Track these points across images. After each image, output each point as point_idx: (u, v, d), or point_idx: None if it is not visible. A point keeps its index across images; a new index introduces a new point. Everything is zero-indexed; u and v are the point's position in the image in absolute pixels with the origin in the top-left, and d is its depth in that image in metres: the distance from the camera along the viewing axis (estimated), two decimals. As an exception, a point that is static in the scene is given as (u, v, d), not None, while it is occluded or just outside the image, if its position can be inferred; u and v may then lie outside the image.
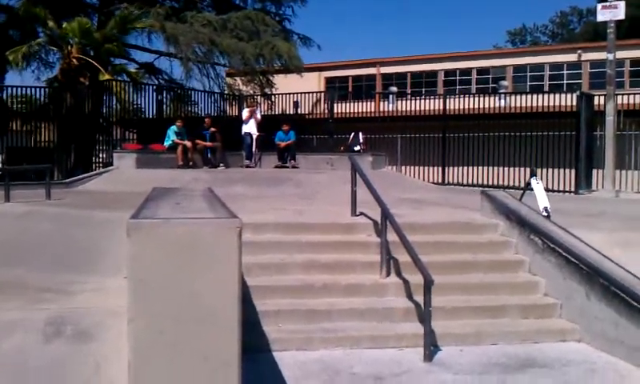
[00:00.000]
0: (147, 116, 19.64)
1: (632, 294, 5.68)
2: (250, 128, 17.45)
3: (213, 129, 16.50)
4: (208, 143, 16.30)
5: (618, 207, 11.26)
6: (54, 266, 6.81)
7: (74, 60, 18.17)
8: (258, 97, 21.81)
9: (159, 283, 3.75)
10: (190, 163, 15.73)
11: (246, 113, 17.82)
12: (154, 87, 20.26)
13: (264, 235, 7.35)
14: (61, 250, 7.33)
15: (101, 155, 19.12)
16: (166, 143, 16.03)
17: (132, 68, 21.58)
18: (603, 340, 5.95)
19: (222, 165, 16.24)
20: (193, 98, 21.69)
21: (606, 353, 5.85)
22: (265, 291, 6.36)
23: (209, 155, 16.41)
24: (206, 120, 16.95)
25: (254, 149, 17.48)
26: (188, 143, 15.80)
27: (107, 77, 18.46)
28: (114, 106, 19.78)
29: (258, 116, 17.96)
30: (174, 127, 16.07)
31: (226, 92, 23.21)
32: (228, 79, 24.26)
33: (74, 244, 7.48)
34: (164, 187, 6.83)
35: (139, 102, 19.92)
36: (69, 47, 18.41)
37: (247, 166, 17.09)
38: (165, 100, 20.50)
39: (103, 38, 18.83)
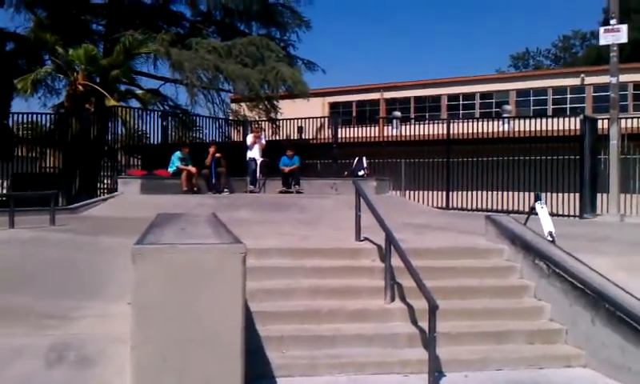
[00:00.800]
0: (152, 142, 19.71)
1: (638, 319, 5.63)
2: (255, 153, 17.53)
3: (217, 154, 16.51)
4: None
5: (623, 231, 11.22)
6: (58, 292, 6.82)
7: (80, 86, 18.34)
8: (263, 122, 21.89)
9: (163, 309, 3.75)
10: (195, 189, 15.75)
11: (250, 138, 17.91)
12: (159, 113, 20.40)
13: (268, 260, 7.33)
14: (65, 275, 7.34)
15: (106, 181, 19.17)
16: (171, 169, 16.07)
17: (138, 93, 21.77)
18: (610, 366, 5.89)
19: (226, 190, 16.26)
20: (198, 124, 21.83)
21: (613, 379, 5.78)
22: (269, 317, 6.32)
23: (213, 181, 16.44)
24: (210, 149, 16.59)
25: (258, 174, 17.53)
26: (192, 169, 15.83)
27: (113, 103, 18.58)
28: (119, 132, 19.91)
29: (263, 141, 18.02)
30: (178, 153, 16.08)
31: (230, 118, 23.32)
32: (233, 105, 24.39)
33: (78, 270, 7.49)
34: (168, 213, 6.86)
35: (144, 128, 20.02)
36: (75, 74, 18.59)
37: (251, 192, 17.11)
38: (170, 126, 20.57)
39: (109, 64, 19.01)
